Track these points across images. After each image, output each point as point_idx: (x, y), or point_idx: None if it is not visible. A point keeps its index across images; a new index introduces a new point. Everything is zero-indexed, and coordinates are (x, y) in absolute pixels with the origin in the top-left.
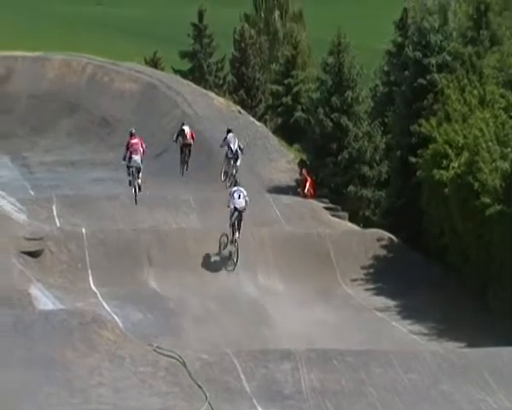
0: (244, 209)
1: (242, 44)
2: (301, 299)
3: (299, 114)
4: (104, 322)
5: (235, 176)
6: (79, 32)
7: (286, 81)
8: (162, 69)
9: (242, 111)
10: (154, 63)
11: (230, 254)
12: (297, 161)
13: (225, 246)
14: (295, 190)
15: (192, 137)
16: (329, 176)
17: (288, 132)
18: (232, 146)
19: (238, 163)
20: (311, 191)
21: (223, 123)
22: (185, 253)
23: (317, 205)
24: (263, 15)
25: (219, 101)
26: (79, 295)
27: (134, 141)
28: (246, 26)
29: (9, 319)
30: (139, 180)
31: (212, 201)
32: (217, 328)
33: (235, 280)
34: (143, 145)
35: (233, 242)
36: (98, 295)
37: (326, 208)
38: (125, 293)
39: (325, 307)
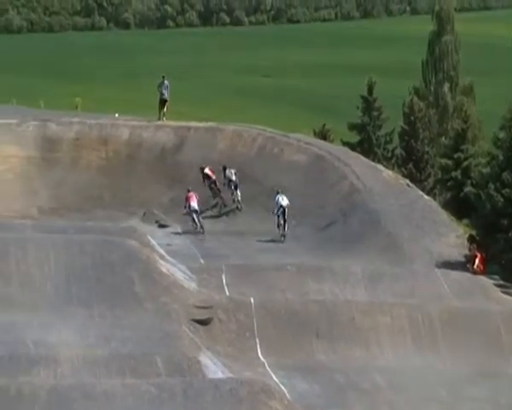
0: (287, 206)
1: (411, 117)
2: (470, 377)
3: (468, 188)
4: (272, 392)
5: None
6: (250, 104)
7: (455, 155)
8: (331, 141)
9: (411, 184)
10: (322, 135)
11: None
12: (466, 236)
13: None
14: (464, 265)
15: (213, 172)
16: (500, 252)
17: (458, 207)
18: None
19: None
20: (481, 267)
21: (391, 196)
22: (352, 325)
23: (487, 281)
24: (432, 88)
25: (388, 174)
26: (247, 364)
27: (190, 195)
28: (415, 98)
29: (180, 385)
30: (201, 220)
31: (382, 274)
32: (384, 403)
33: (402, 354)
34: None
35: (283, 235)
36: (266, 364)
37: (496, 285)
38: (292, 363)
39: (495, 387)
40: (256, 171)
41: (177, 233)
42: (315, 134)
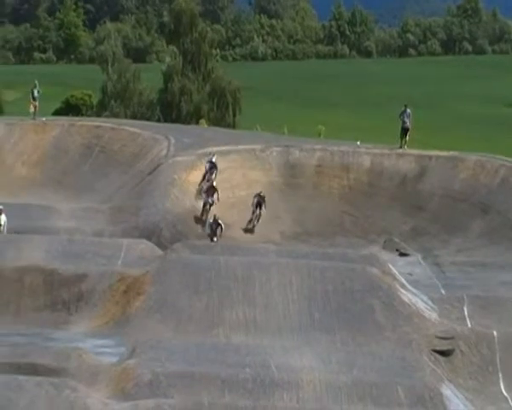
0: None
1: None
2: None
3: None
4: None
5: None
6: (492, 134)
7: None
8: None
9: None
10: None
11: None
12: None
13: None
14: None
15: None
16: None
17: None
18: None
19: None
20: None
21: None
22: None
23: None
24: None
25: None
26: (490, 399)
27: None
28: None
29: None
30: None
31: None
32: None
33: None
34: None
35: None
36: (509, 400)
37: None
38: None
39: None
40: (498, 202)
41: (418, 262)
42: None
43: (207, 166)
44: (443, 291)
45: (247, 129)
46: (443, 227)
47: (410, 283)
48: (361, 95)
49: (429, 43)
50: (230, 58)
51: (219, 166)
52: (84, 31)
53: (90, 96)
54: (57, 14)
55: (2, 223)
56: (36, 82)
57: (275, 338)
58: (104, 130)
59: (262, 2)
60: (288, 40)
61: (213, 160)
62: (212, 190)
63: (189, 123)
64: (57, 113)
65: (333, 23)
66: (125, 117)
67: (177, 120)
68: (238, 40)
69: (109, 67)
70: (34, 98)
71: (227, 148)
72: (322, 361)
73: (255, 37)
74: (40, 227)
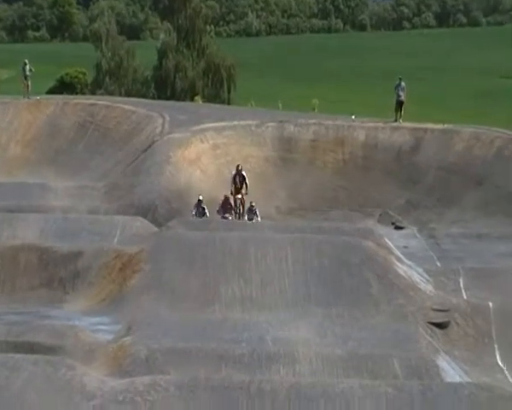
0: None
1: None
2: None
3: None
4: None
5: None
6: (487, 105)
7: None
8: None
9: None
10: None
11: None
12: None
13: None
14: None
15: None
16: None
17: None
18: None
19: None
20: None
21: None
22: None
23: None
24: None
25: None
26: (486, 369)
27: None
28: None
29: (419, 388)
30: None
31: None
32: None
33: None
34: None
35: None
36: (505, 371)
37: None
38: None
39: None
40: (494, 174)
41: (414, 235)
42: None
43: (195, 212)
44: (438, 264)
45: (241, 105)
46: (438, 200)
47: (406, 256)
48: (355, 69)
49: (423, 15)
50: (225, 34)
51: (214, 141)
52: (78, 8)
53: (84, 74)
54: None
55: None
56: (26, 60)
57: (271, 313)
58: (99, 108)
59: None
60: (282, 15)
61: (200, 198)
62: (225, 204)
63: (183, 100)
64: (51, 91)
65: None
66: (120, 94)
67: (172, 96)
68: (232, 16)
69: (103, 44)
70: (26, 77)
71: (222, 124)
72: (318, 335)
73: (249, 12)
74: (35, 206)
